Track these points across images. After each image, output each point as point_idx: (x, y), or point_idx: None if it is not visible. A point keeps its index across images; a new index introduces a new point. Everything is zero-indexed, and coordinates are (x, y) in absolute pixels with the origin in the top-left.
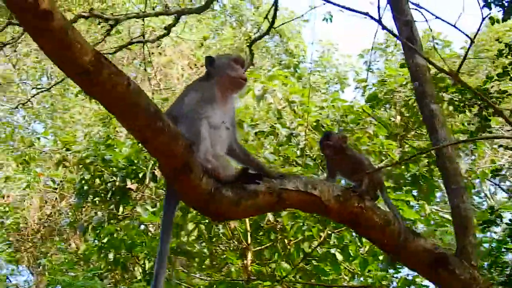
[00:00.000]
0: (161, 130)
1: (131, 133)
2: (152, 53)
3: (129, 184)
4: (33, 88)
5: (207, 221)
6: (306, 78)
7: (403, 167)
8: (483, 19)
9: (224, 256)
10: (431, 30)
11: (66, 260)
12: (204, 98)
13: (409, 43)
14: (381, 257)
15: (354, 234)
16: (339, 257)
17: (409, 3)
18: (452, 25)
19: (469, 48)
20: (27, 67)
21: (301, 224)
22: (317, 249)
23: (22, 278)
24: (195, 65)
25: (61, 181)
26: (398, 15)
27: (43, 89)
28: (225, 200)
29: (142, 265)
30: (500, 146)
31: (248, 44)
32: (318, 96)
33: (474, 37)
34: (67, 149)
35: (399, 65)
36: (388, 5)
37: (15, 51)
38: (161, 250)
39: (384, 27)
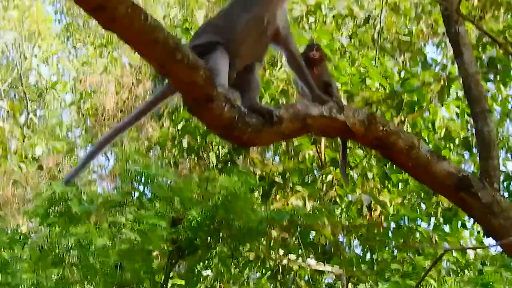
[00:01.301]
0: (180, 62)
1: (153, 65)
2: None
3: None
4: None
5: None
6: None
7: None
8: None
9: (298, 143)
10: None
11: (138, 148)
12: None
13: None
14: None
15: None
16: None
17: None
18: None
19: None
20: None
21: None
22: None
23: (96, 163)
24: None
25: (138, 66)
26: None
27: None
28: (249, 127)
29: (216, 152)
30: None
31: None
32: None
33: None
34: None
35: None
36: None
37: None
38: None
39: None
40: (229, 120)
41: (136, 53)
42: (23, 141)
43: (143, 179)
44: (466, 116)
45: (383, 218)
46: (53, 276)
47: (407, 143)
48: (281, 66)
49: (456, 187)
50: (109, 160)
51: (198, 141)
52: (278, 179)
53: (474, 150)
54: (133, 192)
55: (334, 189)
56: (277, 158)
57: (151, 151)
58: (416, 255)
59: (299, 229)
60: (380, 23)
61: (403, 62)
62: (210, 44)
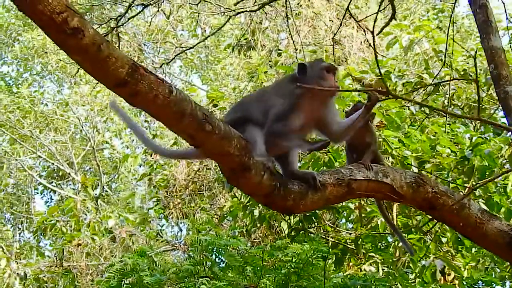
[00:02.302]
0: (211, 133)
1: (182, 137)
2: (300, 5)
3: None
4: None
5: None
6: (459, 22)
7: None
8: None
9: (370, 209)
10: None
11: (210, 218)
12: (284, 105)
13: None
14: None
15: None
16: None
17: None
18: None
19: None
20: (180, 17)
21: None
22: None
23: (170, 233)
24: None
25: None
26: None
27: (187, 48)
28: (291, 194)
29: (288, 221)
30: None
31: None
32: (472, 40)
33: None
34: (214, 105)
35: None
36: None
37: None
38: None
39: None
40: (269, 188)
41: (165, 125)
42: (96, 214)
43: (215, 248)
44: None
45: (457, 282)
46: None
47: (457, 204)
48: None
49: (508, 245)
50: (181, 230)
51: (269, 210)
52: (351, 245)
53: None
54: (205, 262)
55: (407, 254)
56: (349, 224)
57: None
58: None
59: None
60: (450, 89)
61: (474, 127)
62: (245, 118)
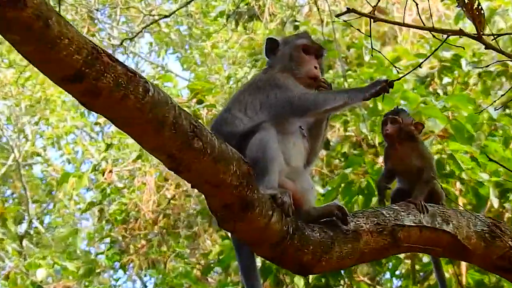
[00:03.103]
0: (201, 153)
1: (157, 157)
2: None
3: None
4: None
5: None
6: None
7: None
8: None
9: (428, 260)
10: None
11: (189, 269)
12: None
13: None
14: None
15: None
16: None
17: None
18: None
19: None
20: None
21: None
22: None
23: None
24: None
25: None
26: None
27: (161, 17)
28: (310, 245)
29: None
30: None
31: None
32: None
33: None
34: (199, 102)
35: None
36: None
37: None
38: None
39: None
40: (279, 234)
41: (134, 140)
42: (20, 260)
43: None
44: None
45: None
46: None
47: None
48: None
49: None
50: (146, 286)
51: None
52: None
53: None
54: None
55: None
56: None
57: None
58: None
59: None
60: None
61: None
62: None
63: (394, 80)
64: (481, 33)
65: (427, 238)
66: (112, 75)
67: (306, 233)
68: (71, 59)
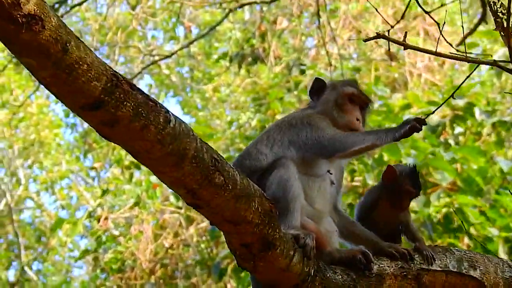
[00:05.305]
0: (222, 189)
1: (176, 191)
2: None
3: None
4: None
5: None
6: None
7: None
8: None
9: None
10: None
11: None
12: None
13: None
14: None
15: None
16: None
17: None
18: None
19: None
20: (151, 8)
21: None
22: None
23: None
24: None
25: None
26: None
27: (161, 57)
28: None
29: None
30: None
31: None
32: None
33: None
34: None
35: None
36: None
37: None
38: None
39: None
40: (300, 276)
41: (155, 176)
42: None
43: None
44: None
45: None
46: None
47: None
48: None
49: None
50: None
51: None
52: None
53: None
54: None
55: None
56: None
57: None
58: None
59: None
60: None
61: None
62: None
63: (426, 117)
64: None
65: (453, 284)
66: (132, 103)
67: (328, 275)
68: (89, 86)
